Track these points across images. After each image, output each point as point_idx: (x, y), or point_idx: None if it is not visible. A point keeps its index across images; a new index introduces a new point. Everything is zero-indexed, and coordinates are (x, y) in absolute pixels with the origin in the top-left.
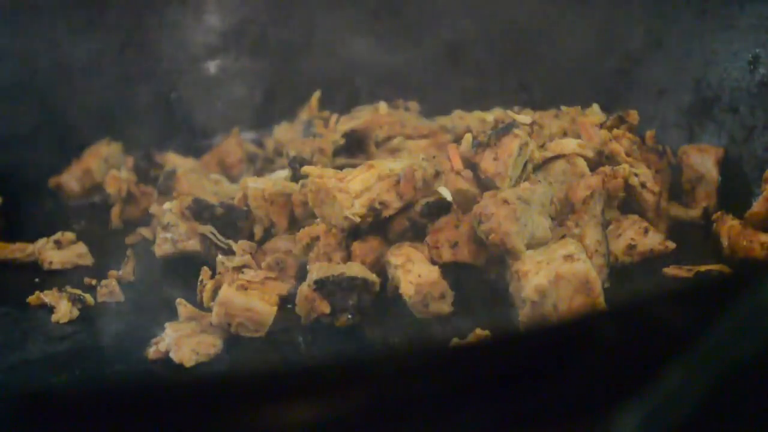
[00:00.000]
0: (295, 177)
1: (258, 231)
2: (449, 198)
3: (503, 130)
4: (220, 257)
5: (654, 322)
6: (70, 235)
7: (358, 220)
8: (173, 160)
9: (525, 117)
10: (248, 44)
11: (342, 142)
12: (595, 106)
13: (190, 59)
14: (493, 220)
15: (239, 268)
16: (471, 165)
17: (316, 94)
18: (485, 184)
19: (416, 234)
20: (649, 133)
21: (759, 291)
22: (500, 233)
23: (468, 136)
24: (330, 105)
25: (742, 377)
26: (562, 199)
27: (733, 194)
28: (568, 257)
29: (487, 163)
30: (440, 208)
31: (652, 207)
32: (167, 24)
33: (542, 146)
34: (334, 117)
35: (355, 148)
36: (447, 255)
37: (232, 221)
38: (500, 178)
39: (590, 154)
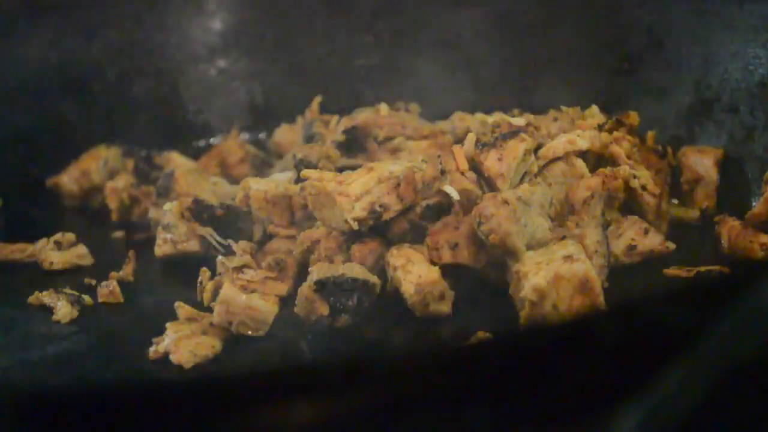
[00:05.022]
0: (299, 179)
1: (258, 232)
2: (456, 197)
3: (511, 133)
4: (220, 258)
5: (654, 322)
6: (70, 236)
7: (356, 226)
8: (174, 159)
9: (520, 119)
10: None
11: (342, 139)
12: (594, 108)
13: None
14: (493, 221)
15: (239, 269)
16: (473, 166)
17: (317, 99)
18: (488, 184)
19: (416, 236)
20: (650, 134)
21: (759, 291)
22: (500, 234)
23: (471, 136)
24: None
25: (742, 377)
26: (562, 200)
27: (734, 195)
28: (568, 258)
29: (491, 162)
30: (440, 209)
31: (653, 209)
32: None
33: (537, 149)
34: (335, 118)
35: (355, 146)
36: (447, 256)
37: (232, 222)
38: (502, 179)
39: (584, 146)
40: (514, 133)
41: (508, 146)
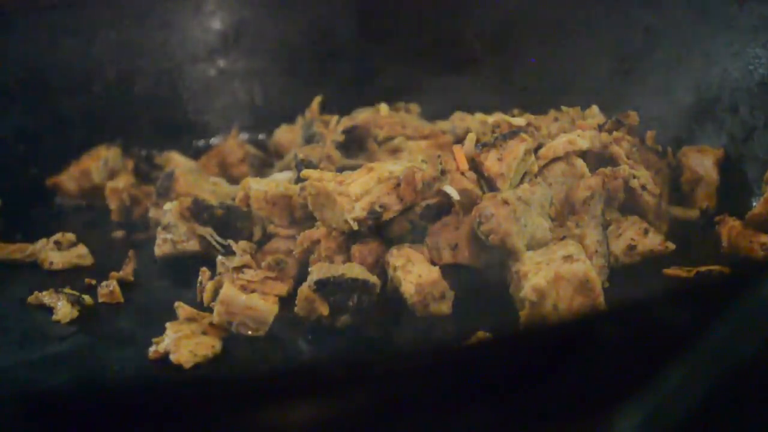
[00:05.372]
0: (300, 179)
1: (258, 232)
2: (456, 197)
3: (511, 133)
4: (220, 258)
5: (654, 322)
6: (70, 236)
7: (356, 226)
8: (174, 159)
9: (520, 119)
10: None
11: (342, 139)
12: (594, 108)
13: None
14: (493, 221)
15: (239, 269)
16: (473, 166)
17: (318, 99)
18: (488, 184)
19: (416, 236)
20: (650, 134)
21: (759, 291)
22: (500, 234)
23: (471, 136)
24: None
25: (742, 377)
26: (562, 199)
27: (734, 195)
28: (568, 258)
29: (491, 162)
30: (440, 209)
31: (653, 209)
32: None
33: (537, 149)
34: (335, 118)
35: (355, 146)
36: (447, 256)
37: (231, 222)
38: (502, 179)
39: (584, 146)
40: (514, 133)
41: (508, 146)
